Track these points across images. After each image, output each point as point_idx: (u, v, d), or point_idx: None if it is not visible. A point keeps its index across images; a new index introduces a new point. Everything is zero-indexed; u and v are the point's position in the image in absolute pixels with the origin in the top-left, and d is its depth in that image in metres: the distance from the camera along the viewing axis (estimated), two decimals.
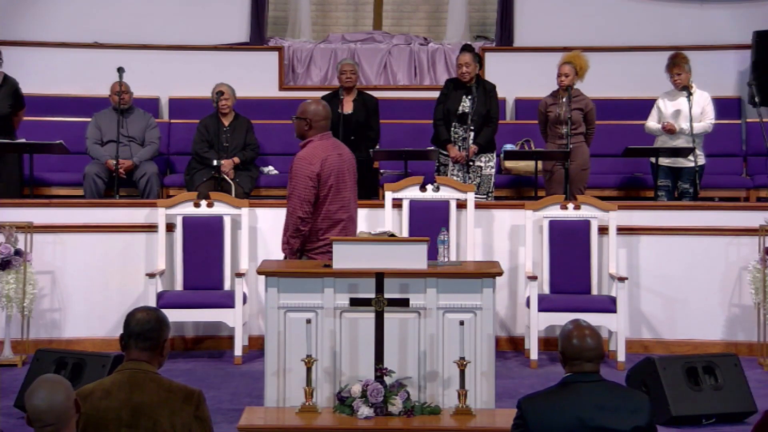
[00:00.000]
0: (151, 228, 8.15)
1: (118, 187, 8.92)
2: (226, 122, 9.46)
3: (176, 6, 11.31)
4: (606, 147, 9.85)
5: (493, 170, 9.01)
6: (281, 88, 11.27)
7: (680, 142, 8.99)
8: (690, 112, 8.94)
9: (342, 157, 6.59)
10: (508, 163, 9.97)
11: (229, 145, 9.30)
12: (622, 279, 7.76)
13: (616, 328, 7.68)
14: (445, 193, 8.21)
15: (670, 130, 8.97)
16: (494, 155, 9.05)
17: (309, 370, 5.55)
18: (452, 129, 8.93)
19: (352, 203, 6.61)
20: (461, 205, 8.20)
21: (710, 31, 11.15)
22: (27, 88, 10.45)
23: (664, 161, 9.05)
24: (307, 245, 6.52)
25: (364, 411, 5.49)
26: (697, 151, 8.99)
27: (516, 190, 9.93)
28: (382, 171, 9.74)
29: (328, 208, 6.48)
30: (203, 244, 8.05)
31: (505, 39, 11.48)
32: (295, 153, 9.93)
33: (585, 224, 8.05)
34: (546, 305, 7.75)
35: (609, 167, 10.02)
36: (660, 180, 9.07)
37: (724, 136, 10.08)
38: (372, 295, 5.63)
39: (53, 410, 3.58)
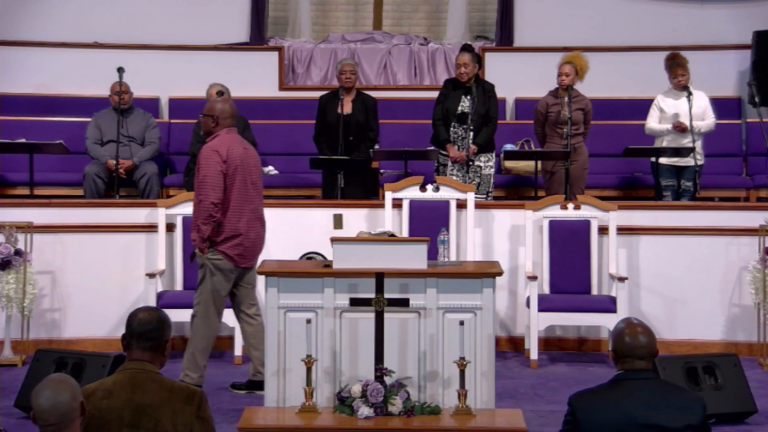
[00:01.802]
0: (151, 228, 8.14)
1: (118, 187, 8.92)
2: None
3: (176, 6, 11.32)
4: (606, 147, 9.86)
5: (493, 170, 9.01)
6: (281, 88, 11.27)
7: (687, 141, 9.00)
8: (690, 112, 8.95)
9: (247, 152, 6.87)
10: (508, 163, 9.98)
11: None
12: (622, 279, 7.76)
13: None
14: (445, 193, 8.21)
15: (683, 129, 8.98)
16: (493, 155, 9.05)
17: (309, 370, 5.55)
18: (452, 129, 8.93)
19: (257, 198, 6.89)
20: (461, 205, 8.20)
21: (710, 31, 11.16)
22: (27, 88, 10.47)
23: (668, 160, 9.06)
24: (218, 238, 6.69)
25: (364, 411, 5.50)
26: (700, 150, 9.03)
27: (516, 190, 9.93)
28: (382, 171, 9.74)
29: (237, 200, 6.72)
30: None
31: (505, 39, 11.48)
32: (296, 153, 10.08)
33: (585, 224, 8.05)
34: (546, 305, 7.75)
35: (609, 167, 10.02)
36: (665, 180, 9.08)
37: (724, 136, 10.08)
38: (372, 295, 5.63)
39: (56, 410, 3.59)
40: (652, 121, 9.21)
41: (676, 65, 9.08)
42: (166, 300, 7.71)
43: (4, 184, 9.82)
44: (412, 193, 8.21)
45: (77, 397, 3.65)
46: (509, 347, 8.23)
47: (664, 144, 9.12)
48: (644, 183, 9.87)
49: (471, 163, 8.83)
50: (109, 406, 3.91)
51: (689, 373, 6.38)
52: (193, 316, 6.88)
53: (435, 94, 9.31)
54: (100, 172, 9.27)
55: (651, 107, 9.24)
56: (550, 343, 8.20)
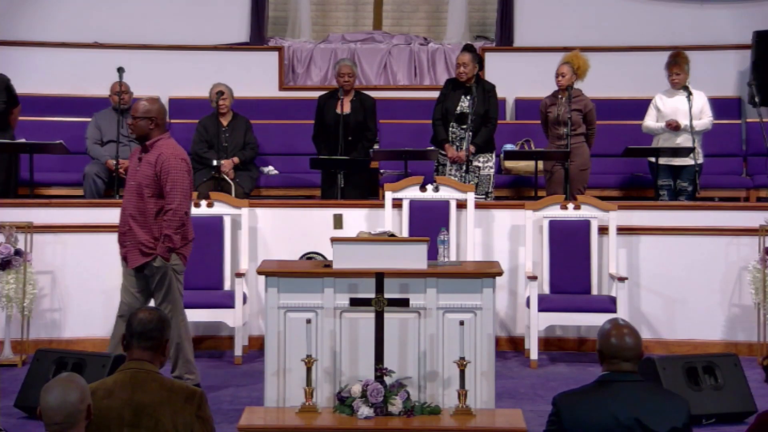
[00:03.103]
0: None
1: (118, 187, 8.91)
2: (224, 122, 9.45)
3: (176, 6, 11.32)
4: (606, 147, 9.85)
5: (492, 170, 9.00)
6: (281, 88, 11.27)
7: (681, 140, 9.00)
8: (690, 111, 8.95)
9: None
10: (508, 163, 9.98)
11: (228, 145, 9.30)
12: (622, 279, 7.76)
13: None
14: (445, 193, 8.21)
15: (676, 127, 8.98)
16: (493, 155, 9.04)
17: (309, 370, 5.55)
18: (450, 129, 8.93)
19: None
20: (461, 205, 8.20)
21: (710, 31, 11.16)
22: (27, 88, 10.45)
23: (664, 160, 9.06)
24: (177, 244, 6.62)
25: (364, 411, 5.50)
26: (697, 150, 9.02)
27: (516, 190, 9.93)
28: (382, 171, 9.74)
29: (190, 205, 6.72)
30: (203, 244, 8.02)
31: (505, 39, 11.48)
32: (296, 153, 10.08)
33: (585, 224, 8.05)
34: (546, 305, 7.76)
35: (609, 167, 10.02)
36: (661, 179, 9.08)
37: (724, 136, 10.09)
38: (372, 295, 5.64)
39: (62, 409, 3.60)
40: (649, 120, 9.22)
41: (672, 64, 9.09)
42: None
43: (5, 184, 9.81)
44: (412, 193, 8.21)
45: (85, 400, 3.65)
46: (509, 347, 8.23)
47: (660, 143, 9.12)
48: (645, 183, 9.87)
49: (470, 163, 8.82)
50: (109, 405, 3.92)
51: (689, 373, 6.38)
52: None
53: (435, 94, 9.31)
54: (100, 172, 9.27)
55: (649, 106, 9.25)
56: (550, 343, 8.20)
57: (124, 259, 6.69)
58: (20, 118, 9.87)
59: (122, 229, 6.65)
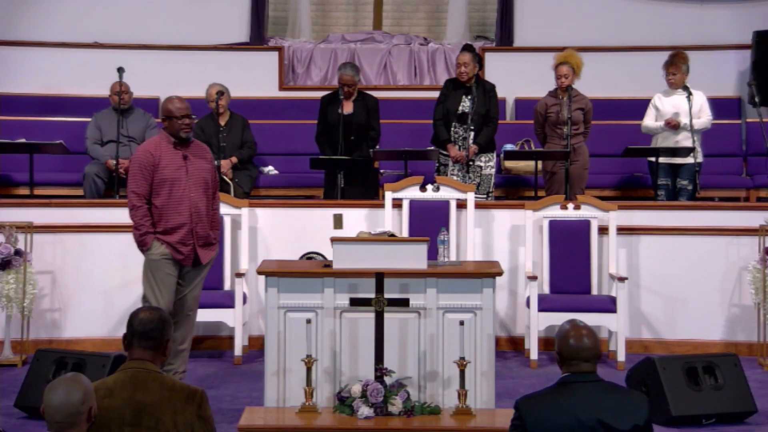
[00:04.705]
0: None
1: (118, 187, 8.92)
2: (222, 122, 9.42)
3: (176, 6, 11.33)
4: (606, 147, 9.87)
5: (493, 170, 9.00)
6: (281, 88, 11.28)
7: (680, 139, 8.99)
8: (690, 111, 8.94)
9: None
10: (508, 163, 9.98)
11: (226, 145, 9.28)
12: (622, 279, 7.76)
13: (616, 328, 7.68)
14: (445, 193, 8.21)
15: (675, 126, 8.97)
16: (494, 155, 9.05)
17: (309, 370, 5.56)
18: (452, 129, 8.93)
19: None
20: (461, 205, 8.20)
21: (710, 31, 11.17)
22: (27, 88, 10.46)
23: (663, 159, 9.06)
24: None
25: (364, 411, 5.50)
26: (697, 149, 9.02)
27: (516, 190, 9.94)
28: (382, 171, 9.74)
29: None
30: None
31: (505, 39, 11.49)
32: (296, 153, 10.09)
33: (585, 224, 8.06)
34: (546, 305, 7.76)
35: (608, 167, 10.03)
36: (660, 179, 9.08)
37: (724, 135, 10.09)
38: (372, 295, 5.64)
39: (63, 409, 3.61)
40: (648, 120, 9.21)
41: (669, 64, 9.09)
42: None
43: (4, 184, 9.82)
44: (412, 193, 8.21)
45: (87, 402, 3.66)
46: (509, 347, 8.23)
47: (658, 142, 9.12)
48: (644, 183, 9.88)
49: (471, 163, 8.83)
50: (110, 405, 3.92)
51: (689, 373, 6.38)
52: (188, 315, 6.83)
53: (435, 94, 9.30)
54: (100, 172, 9.27)
55: (648, 106, 9.25)
56: (550, 343, 8.18)
57: (183, 260, 6.65)
58: (21, 118, 9.89)
59: (189, 226, 6.61)
